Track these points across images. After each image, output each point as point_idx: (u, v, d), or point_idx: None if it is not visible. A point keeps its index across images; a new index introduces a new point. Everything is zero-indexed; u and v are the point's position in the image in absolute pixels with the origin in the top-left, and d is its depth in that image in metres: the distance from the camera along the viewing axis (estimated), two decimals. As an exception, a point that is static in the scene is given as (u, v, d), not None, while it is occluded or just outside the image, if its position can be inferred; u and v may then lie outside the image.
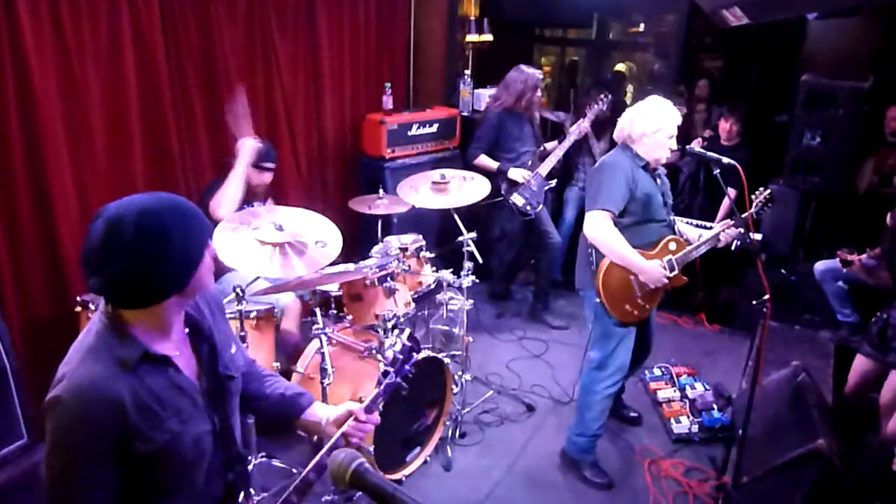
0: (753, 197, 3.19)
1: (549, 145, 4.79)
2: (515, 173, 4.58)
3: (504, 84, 4.67)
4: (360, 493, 1.16)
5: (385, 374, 1.72)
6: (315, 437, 1.66)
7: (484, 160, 4.65)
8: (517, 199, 4.61)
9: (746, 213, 3.16)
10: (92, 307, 2.99)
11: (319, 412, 1.75)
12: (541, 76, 4.70)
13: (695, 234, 3.28)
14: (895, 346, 3.33)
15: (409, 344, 1.73)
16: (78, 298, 3.09)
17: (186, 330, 1.52)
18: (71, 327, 3.12)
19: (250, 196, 3.62)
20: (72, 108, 3.35)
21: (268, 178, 3.66)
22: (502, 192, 4.63)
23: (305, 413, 1.76)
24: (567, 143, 4.65)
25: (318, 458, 1.58)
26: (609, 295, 3.03)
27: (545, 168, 4.65)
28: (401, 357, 1.72)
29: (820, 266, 4.44)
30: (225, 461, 1.56)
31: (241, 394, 1.66)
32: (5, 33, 3.04)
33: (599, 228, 2.95)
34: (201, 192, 3.62)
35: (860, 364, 3.53)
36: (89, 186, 3.47)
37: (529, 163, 4.67)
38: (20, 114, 3.15)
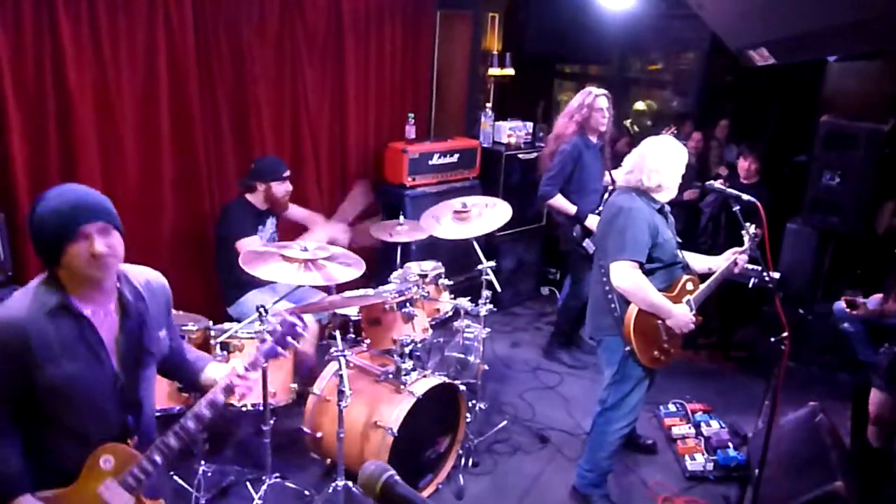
0: (743, 233, 3.19)
1: (616, 174, 4.56)
2: (593, 221, 4.22)
3: (564, 112, 4.48)
4: None
5: (262, 340, 2.03)
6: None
7: (561, 201, 4.36)
8: (589, 246, 4.33)
9: (746, 248, 3.16)
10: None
11: (212, 372, 2.12)
12: (602, 94, 4.34)
13: (702, 263, 3.27)
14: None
15: (292, 320, 2.01)
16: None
17: (113, 305, 1.84)
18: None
19: (277, 207, 3.74)
20: (105, 126, 3.50)
21: (289, 185, 3.76)
22: (573, 234, 4.42)
23: (203, 373, 2.13)
24: None
25: (207, 397, 1.92)
26: (640, 342, 2.99)
27: None
28: (280, 329, 2.02)
29: (838, 305, 4.41)
30: (122, 407, 1.85)
31: (164, 366, 2.06)
32: (48, 58, 3.17)
33: (629, 279, 2.93)
34: (222, 213, 3.71)
35: (874, 397, 3.49)
36: (118, 204, 3.50)
37: (600, 206, 4.37)
38: (58, 130, 3.28)
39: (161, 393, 3.02)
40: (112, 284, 1.82)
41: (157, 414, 3.00)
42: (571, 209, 4.35)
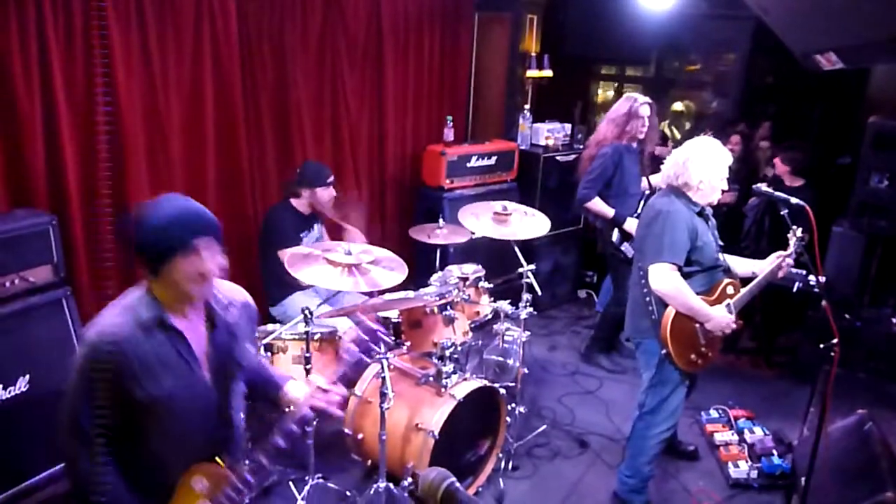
0: (789, 236, 3.13)
1: (654, 179, 4.49)
2: (632, 225, 4.20)
3: (608, 117, 4.41)
4: None
5: (345, 351, 1.95)
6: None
7: (598, 205, 4.33)
8: (628, 250, 4.34)
9: (791, 252, 3.09)
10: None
11: (293, 389, 2.06)
12: (646, 102, 4.32)
13: (746, 267, 3.23)
14: None
15: (376, 327, 1.96)
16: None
17: (202, 318, 1.83)
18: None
19: (322, 213, 3.81)
20: (153, 133, 3.57)
21: (333, 191, 3.81)
22: (612, 239, 4.39)
23: (283, 390, 2.07)
24: None
25: (286, 425, 1.85)
26: (676, 345, 2.97)
27: None
28: (363, 338, 1.95)
29: None
30: (217, 424, 1.83)
31: (246, 382, 2.00)
32: (99, 65, 3.26)
33: (668, 281, 2.91)
34: (267, 217, 3.77)
35: None
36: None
37: (638, 210, 4.36)
38: (108, 137, 3.37)
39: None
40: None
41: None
42: (609, 212, 4.33)
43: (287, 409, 1.96)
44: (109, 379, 1.64)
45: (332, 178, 3.78)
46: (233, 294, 1.96)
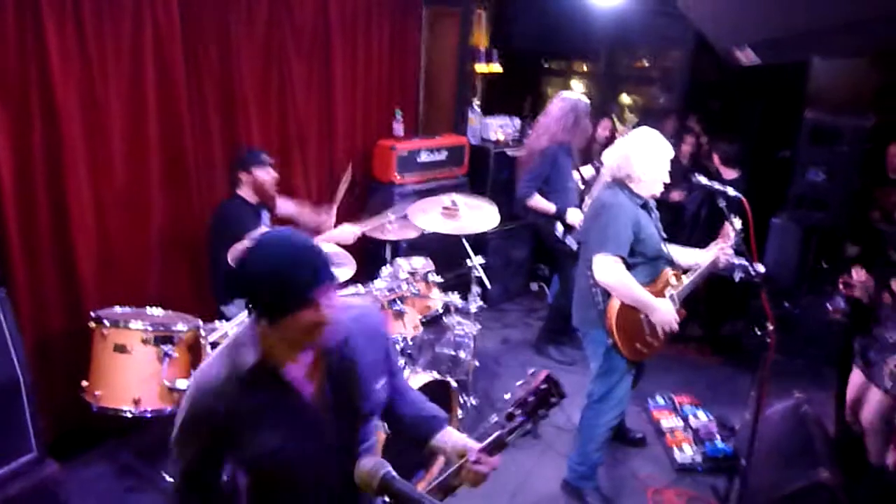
0: (728, 228, 3.21)
1: (584, 171, 4.66)
2: (574, 216, 4.35)
3: (552, 117, 4.47)
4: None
5: (510, 416, 1.55)
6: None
7: (539, 201, 4.45)
8: (571, 242, 4.43)
9: (731, 242, 3.19)
10: (106, 322, 3.02)
11: (448, 438, 1.77)
12: (588, 101, 4.51)
13: (689, 258, 3.31)
14: (875, 364, 3.37)
15: (545, 386, 1.54)
16: (92, 314, 3.12)
17: (312, 359, 1.59)
18: (84, 343, 3.15)
19: (266, 198, 3.70)
20: (92, 124, 3.44)
21: (273, 172, 3.69)
22: (555, 233, 4.48)
23: (435, 438, 1.80)
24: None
25: (431, 484, 1.63)
26: (622, 335, 3.04)
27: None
28: (531, 399, 1.54)
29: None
30: (342, 483, 1.56)
31: (386, 417, 1.80)
32: (32, 55, 3.15)
33: (612, 273, 2.97)
34: (218, 212, 3.69)
35: (854, 377, 3.54)
36: (107, 203, 3.55)
37: (576, 200, 4.50)
38: (42, 129, 3.25)
39: (151, 393, 3.03)
40: None
41: (149, 415, 3.04)
42: (551, 208, 4.42)
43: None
44: (206, 434, 1.53)
45: (269, 160, 3.68)
46: (356, 314, 1.69)
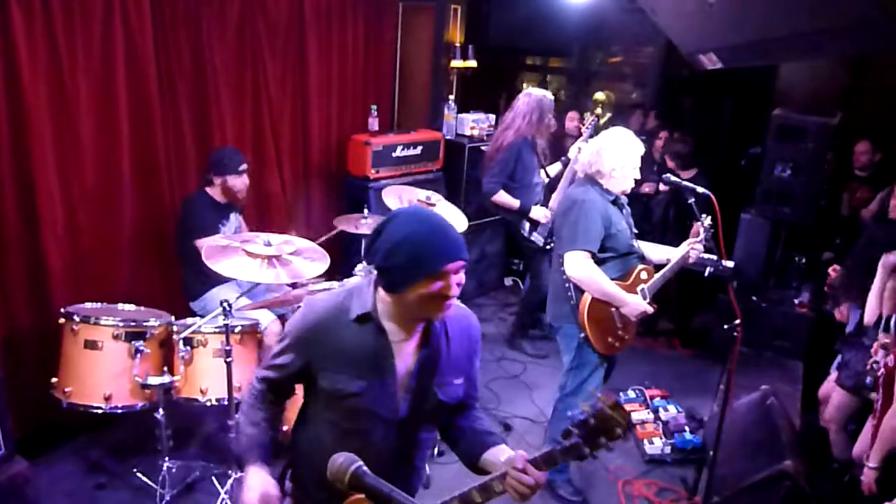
0: (698, 224, 3.28)
1: (551, 169, 4.72)
2: (538, 213, 4.45)
3: (517, 112, 4.51)
4: None
5: (567, 433, 1.48)
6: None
7: (504, 197, 4.48)
8: (537, 239, 4.53)
9: (701, 238, 3.26)
10: (76, 318, 2.99)
11: (501, 455, 1.72)
12: (552, 97, 4.57)
13: (660, 254, 3.36)
14: (847, 364, 3.48)
15: (609, 412, 1.41)
16: (62, 310, 3.09)
17: (417, 335, 1.69)
18: (53, 339, 3.12)
19: (236, 202, 3.70)
20: (61, 120, 3.40)
21: (246, 179, 3.69)
22: (522, 230, 4.55)
23: (488, 452, 1.75)
24: (571, 169, 4.39)
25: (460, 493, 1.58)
26: (593, 329, 3.09)
27: (555, 201, 4.49)
28: (592, 422, 1.43)
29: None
30: (394, 454, 1.69)
31: (448, 429, 1.84)
32: (0, 51, 3.09)
33: (582, 269, 3.02)
34: (183, 207, 3.67)
35: (835, 395, 3.62)
36: (76, 198, 3.50)
37: (542, 196, 4.58)
38: (10, 125, 3.19)
39: (122, 389, 3.01)
40: None
41: (120, 411, 3.02)
42: (515, 203, 4.47)
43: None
44: (300, 351, 1.67)
45: (245, 166, 3.67)
46: (457, 314, 1.74)
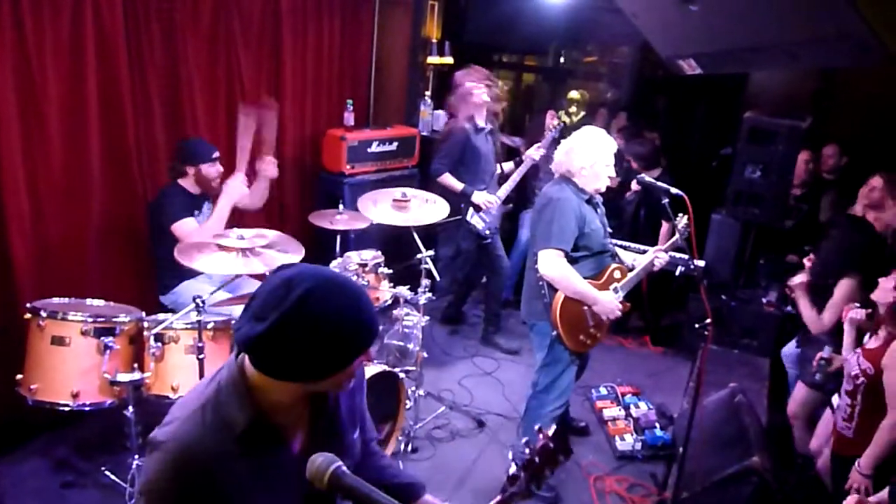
0: (675, 223, 3.32)
1: (506, 167, 4.83)
2: (479, 197, 4.55)
3: (453, 95, 4.63)
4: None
5: (513, 479, 1.43)
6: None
7: (448, 179, 4.58)
8: (477, 223, 4.61)
9: (676, 238, 3.32)
10: (43, 314, 2.92)
11: None
12: (473, 67, 4.60)
13: (629, 258, 3.43)
14: (808, 359, 3.57)
15: (551, 445, 1.38)
16: (28, 305, 3.00)
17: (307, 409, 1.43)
18: (19, 336, 3.04)
19: (210, 191, 3.66)
20: (28, 111, 3.31)
21: (220, 167, 3.65)
22: (462, 213, 4.62)
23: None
24: (524, 167, 4.64)
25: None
26: (566, 327, 3.12)
27: (503, 192, 4.66)
28: (538, 462, 1.39)
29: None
30: None
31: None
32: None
33: (555, 267, 3.05)
34: (156, 199, 3.61)
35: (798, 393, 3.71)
36: (43, 191, 3.42)
37: (495, 188, 4.68)
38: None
39: (91, 386, 2.95)
40: None
41: (88, 409, 2.96)
42: (459, 186, 4.56)
43: None
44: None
45: (217, 154, 3.62)
46: None
